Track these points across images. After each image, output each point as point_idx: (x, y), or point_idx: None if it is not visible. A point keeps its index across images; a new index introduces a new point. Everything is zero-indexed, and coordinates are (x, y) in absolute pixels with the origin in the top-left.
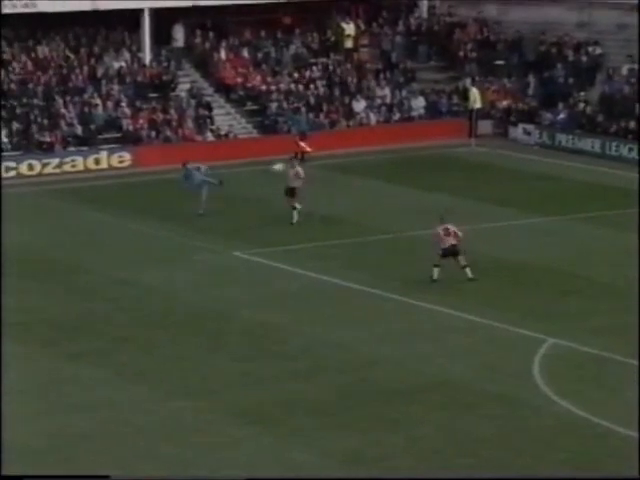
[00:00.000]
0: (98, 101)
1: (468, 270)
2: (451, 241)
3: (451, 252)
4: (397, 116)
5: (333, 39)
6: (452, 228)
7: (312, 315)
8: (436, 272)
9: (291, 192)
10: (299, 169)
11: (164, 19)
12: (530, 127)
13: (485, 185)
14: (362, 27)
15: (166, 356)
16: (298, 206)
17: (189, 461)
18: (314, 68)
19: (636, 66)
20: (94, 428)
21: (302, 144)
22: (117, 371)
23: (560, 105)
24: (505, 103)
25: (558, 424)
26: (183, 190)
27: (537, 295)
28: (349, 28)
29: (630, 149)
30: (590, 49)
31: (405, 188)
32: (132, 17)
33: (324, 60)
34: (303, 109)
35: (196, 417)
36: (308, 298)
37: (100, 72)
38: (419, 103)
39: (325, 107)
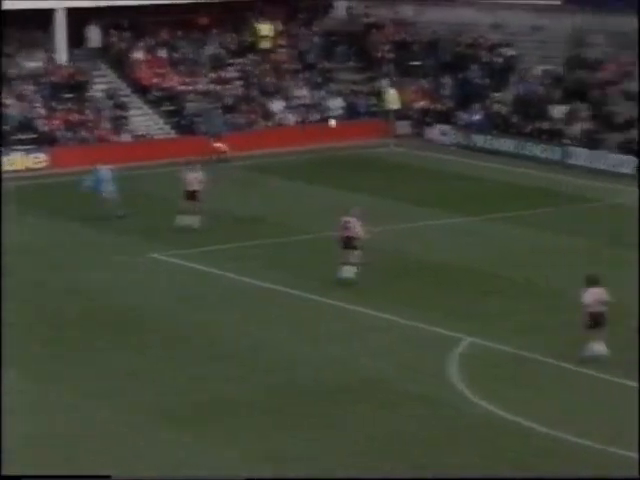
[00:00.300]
0: (11, 101)
1: (348, 268)
2: (346, 233)
3: (346, 245)
4: (315, 116)
5: (250, 40)
6: (352, 222)
7: (236, 316)
8: (344, 271)
9: (191, 196)
10: (200, 173)
11: (78, 19)
12: (446, 128)
13: (404, 185)
14: (279, 28)
15: (86, 357)
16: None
17: (121, 462)
18: (231, 68)
19: (550, 67)
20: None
21: (218, 145)
22: None
23: (475, 106)
24: (422, 104)
25: (477, 423)
26: (90, 192)
27: (457, 295)
28: (265, 29)
29: (543, 149)
30: (503, 50)
31: (325, 188)
32: (45, 17)
33: (241, 61)
34: (219, 110)
35: (122, 419)
36: (229, 299)
37: (13, 72)
38: (337, 104)
39: (243, 108)
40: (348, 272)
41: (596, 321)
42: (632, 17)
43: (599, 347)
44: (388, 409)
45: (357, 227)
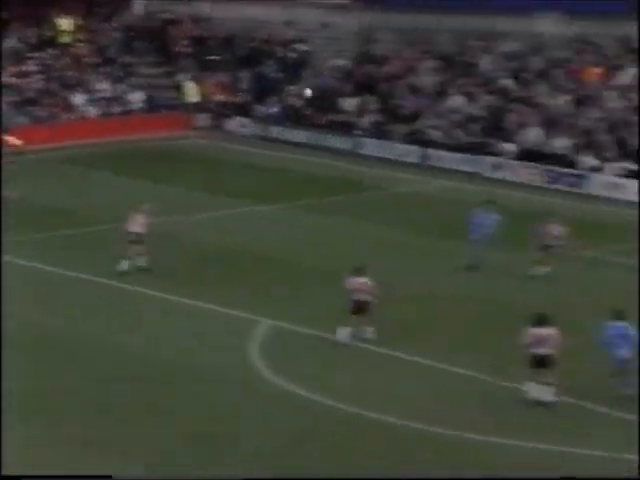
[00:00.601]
0: None
1: (125, 262)
2: (132, 228)
3: (131, 239)
4: (117, 109)
5: (50, 34)
6: (139, 218)
7: (42, 305)
8: (124, 264)
9: None
10: None
11: None
12: (245, 120)
13: (205, 176)
14: (78, 22)
15: None
16: None
17: None
18: (32, 62)
19: (341, 62)
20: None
21: (10, 139)
22: None
23: (272, 99)
24: (221, 97)
25: (277, 402)
26: None
27: (256, 280)
28: (64, 23)
29: (336, 140)
30: (297, 46)
31: (127, 180)
32: None
33: (42, 54)
34: (9, 104)
35: None
36: (32, 288)
37: None
38: (138, 97)
39: (44, 101)
40: (124, 265)
41: (359, 308)
42: (415, 15)
43: (345, 332)
44: (191, 392)
45: (143, 223)
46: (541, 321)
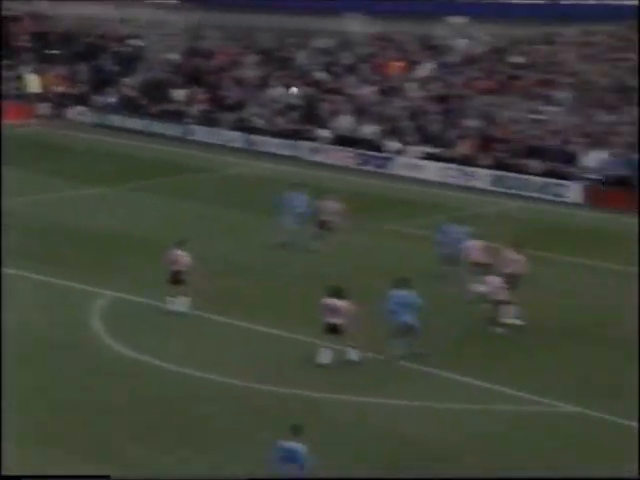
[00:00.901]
0: None
1: None
2: None
3: None
4: None
5: None
6: None
7: None
8: None
9: None
10: None
11: None
12: (84, 109)
13: (46, 161)
14: None
15: None
16: None
17: None
18: None
19: (171, 56)
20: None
21: None
22: None
23: (108, 90)
24: (60, 88)
25: (118, 367)
26: None
27: (97, 256)
28: None
29: (168, 127)
30: (132, 41)
31: None
32: None
33: None
34: None
35: None
36: None
37: None
38: None
39: None
40: None
41: (176, 279)
42: (238, 14)
43: (178, 302)
44: (37, 361)
45: None
46: (335, 293)
